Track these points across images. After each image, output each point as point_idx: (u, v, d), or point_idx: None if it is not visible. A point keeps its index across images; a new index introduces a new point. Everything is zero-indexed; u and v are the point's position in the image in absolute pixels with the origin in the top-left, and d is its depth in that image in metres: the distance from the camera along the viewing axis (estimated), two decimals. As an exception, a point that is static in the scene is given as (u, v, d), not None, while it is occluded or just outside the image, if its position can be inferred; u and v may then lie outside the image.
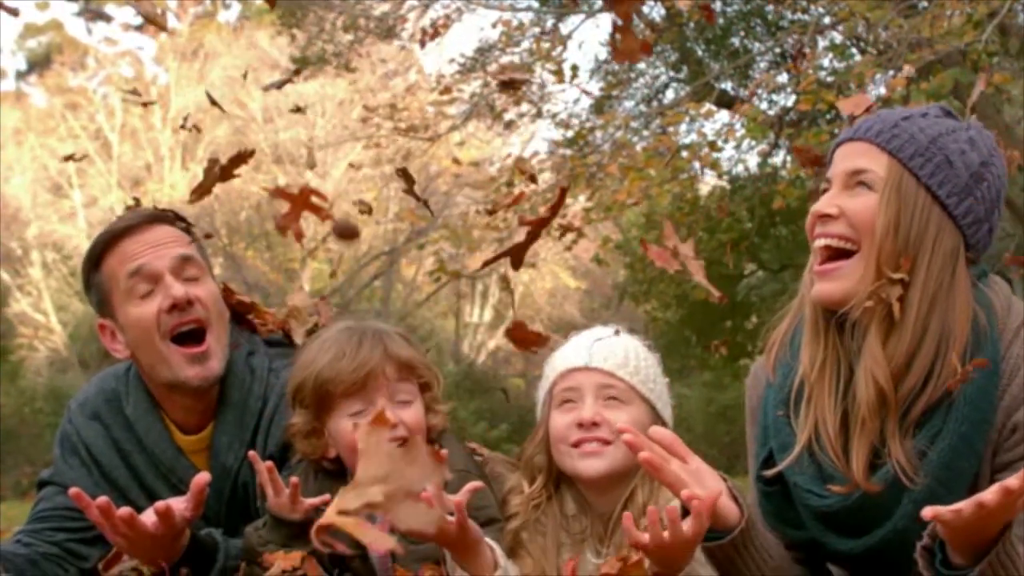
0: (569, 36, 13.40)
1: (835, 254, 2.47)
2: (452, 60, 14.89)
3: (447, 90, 13.86)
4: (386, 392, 2.83)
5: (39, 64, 33.97)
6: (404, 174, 2.46)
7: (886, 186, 2.42)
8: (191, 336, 3.02)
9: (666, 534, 2.29)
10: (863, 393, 2.40)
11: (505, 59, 13.91)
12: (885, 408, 2.40)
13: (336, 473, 2.89)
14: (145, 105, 2.93)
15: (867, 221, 2.42)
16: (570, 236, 13.93)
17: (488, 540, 2.55)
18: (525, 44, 13.87)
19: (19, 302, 29.80)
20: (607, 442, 2.75)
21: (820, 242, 2.48)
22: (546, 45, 13.35)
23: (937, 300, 2.40)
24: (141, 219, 3.08)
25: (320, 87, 25.57)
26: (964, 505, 2.08)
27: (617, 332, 2.85)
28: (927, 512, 2.10)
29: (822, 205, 2.49)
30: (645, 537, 2.31)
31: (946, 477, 2.33)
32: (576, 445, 2.77)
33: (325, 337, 2.91)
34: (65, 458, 3.13)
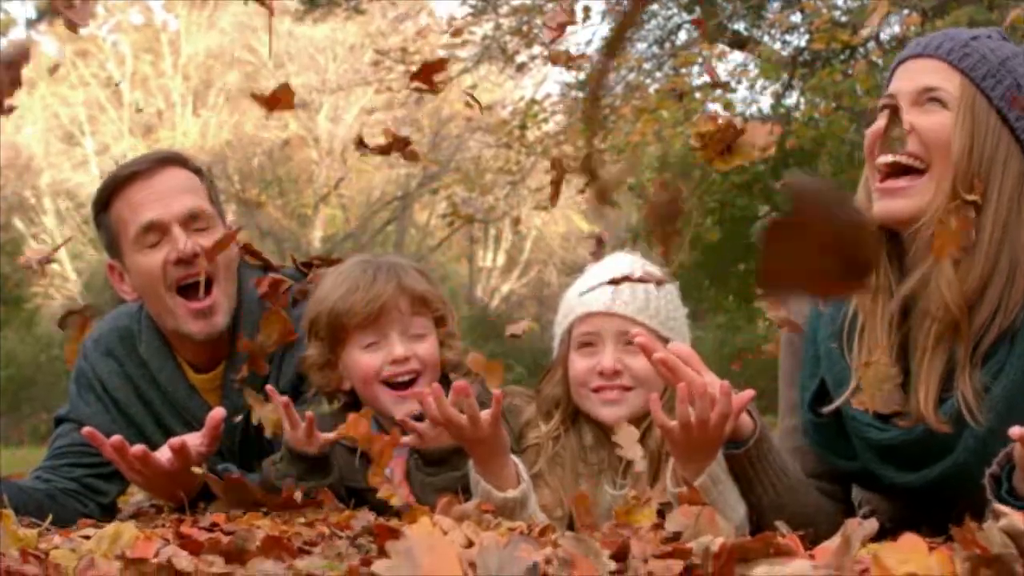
0: (581, -24, 13.27)
1: (898, 172, 2.42)
2: (463, 2, 14.78)
3: (458, 32, 13.76)
4: (399, 326, 2.84)
5: (48, 12, 33.77)
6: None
7: (960, 105, 2.38)
8: (198, 286, 3.02)
9: (692, 414, 2.29)
10: (933, 319, 2.37)
11: (516, 0, 13.80)
12: (957, 336, 2.36)
13: (351, 406, 2.91)
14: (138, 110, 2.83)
15: (940, 139, 2.37)
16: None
17: (513, 457, 2.58)
18: (536, -16, 13.75)
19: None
20: (628, 388, 2.75)
21: (887, 158, 2.42)
22: (557, -15, 13.23)
23: (1008, 226, 2.36)
24: (150, 163, 3.07)
25: (331, 31, 25.44)
26: None
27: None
28: (1014, 431, 2.06)
29: None
30: (672, 423, 2.32)
31: (1007, 413, 2.28)
32: (596, 390, 2.77)
33: (341, 270, 2.92)
34: (81, 394, 3.14)
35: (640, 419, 2.74)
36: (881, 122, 2.45)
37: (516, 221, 19.75)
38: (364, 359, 2.84)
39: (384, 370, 2.83)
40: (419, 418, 2.69)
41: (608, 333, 2.77)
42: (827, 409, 2.50)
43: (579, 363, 2.79)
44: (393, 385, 2.84)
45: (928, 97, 2.41)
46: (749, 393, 2.36)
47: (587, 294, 2.81)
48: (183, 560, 1.56)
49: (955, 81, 2.40)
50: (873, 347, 2.43)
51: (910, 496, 2.48)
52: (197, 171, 3.13)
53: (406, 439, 2.69)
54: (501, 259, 30.40)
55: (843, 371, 2.48)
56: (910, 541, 1.34)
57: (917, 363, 2.40)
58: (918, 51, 2.47)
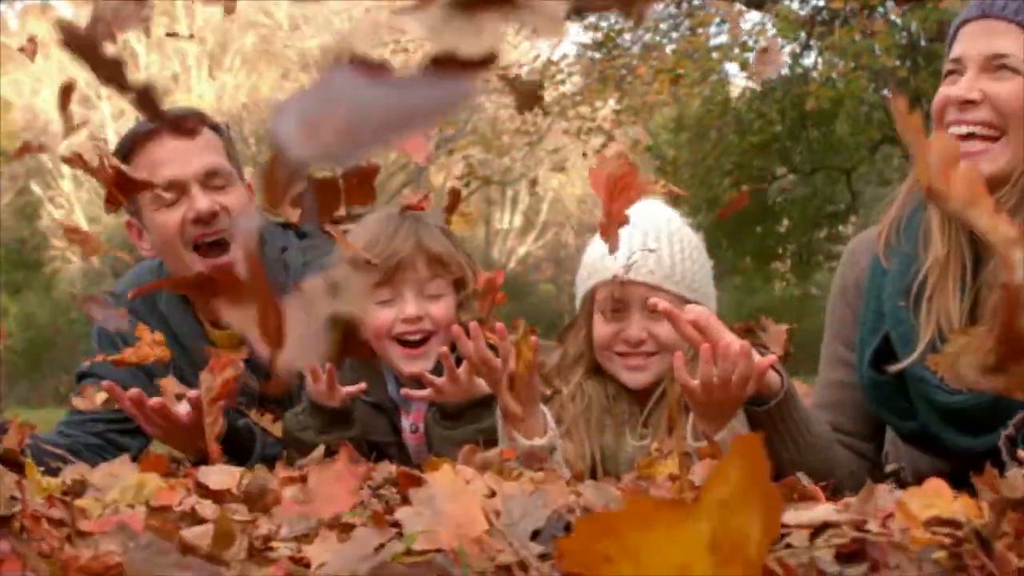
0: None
1: (970, 139, 2.36)
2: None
3: (474, -8, 13.68)
4: (414, 284, 2.84)
5: (63, -25, 33.70)
6: None
7: None
8: (216, 244, 3.03)
9: (715, 375, 2.29)
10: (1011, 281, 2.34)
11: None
12: None
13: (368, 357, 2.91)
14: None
15: (1015, 106, 2.31)
16: (599, 139, 13.85)
17: (542, 406, 2.57)
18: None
19: (51, 214, 29.95)
20: (652, 354, 2.74)
21: (961, 129, 2.35)
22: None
23: None
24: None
25: (346, -7, 25.36)
26: None
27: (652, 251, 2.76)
28: None
29: (963, 90, 2.36)
30: (695, 381, 2.32)
31: None
32: (621, 355, 2.75)
33: (366, 222, 2.90)
34: (102, 350, 3.15)
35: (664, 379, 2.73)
36: (959, 89, 2.37)
37: (533, 183, 19.71)
38: (377, 314, 2.84)
39: (396, 327, 2.83)
40: (436, 372, 2.69)
41: (634, 301, 2.73)
42: (894, 368, 2.46)
43: (604, 328, 2.76)
44: (404, 343, 2.84)
45: (999, 64, 2.35)
46: (772, 357, 2.35)
47: (611, 257, 2.77)
48: (207, 508, 1.56)
49: (1022, 42, 2.34)
50: (943, 311, 2.40)
51: (966, 460, 2.46)
52: (216, 128, 3.13)
53: (423, 392, 2.69)
54: (518, 221, 30.36)
55: (909, 330, 2.44)
56: (934, 485, 1.34)
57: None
58: (983, 12, 2.40)
